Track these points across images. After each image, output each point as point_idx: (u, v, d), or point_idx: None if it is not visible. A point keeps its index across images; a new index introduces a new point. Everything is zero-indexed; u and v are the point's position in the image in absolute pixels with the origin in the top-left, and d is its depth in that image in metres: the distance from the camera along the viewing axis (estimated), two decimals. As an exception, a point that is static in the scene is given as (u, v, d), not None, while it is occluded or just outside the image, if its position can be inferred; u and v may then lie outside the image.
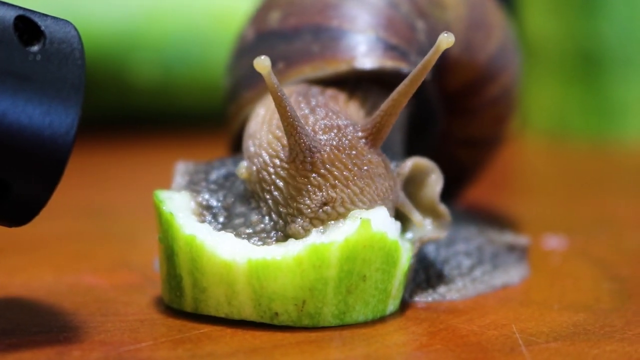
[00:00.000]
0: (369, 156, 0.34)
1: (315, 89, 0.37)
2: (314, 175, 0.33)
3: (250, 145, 0.35)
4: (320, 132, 0.34)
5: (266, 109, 0.36)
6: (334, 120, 0.35)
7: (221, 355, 0.31)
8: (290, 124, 0.33)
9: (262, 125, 0.35)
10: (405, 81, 0.33)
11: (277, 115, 0.35)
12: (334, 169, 0.33)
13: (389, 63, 0.38)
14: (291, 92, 0.36)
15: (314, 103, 0.36)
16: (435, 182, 0.35)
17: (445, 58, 0.40)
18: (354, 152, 0.34)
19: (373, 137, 0.34)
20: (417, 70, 0.33)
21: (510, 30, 0.44)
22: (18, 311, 0.35)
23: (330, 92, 0.37)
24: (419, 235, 0.35)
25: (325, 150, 0.34)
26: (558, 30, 0.71)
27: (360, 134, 0.34)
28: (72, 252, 0.43)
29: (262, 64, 0.32)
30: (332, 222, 0.33)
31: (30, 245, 0.43)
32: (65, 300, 0.36)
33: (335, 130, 0.34)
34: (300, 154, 0.33)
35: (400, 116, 0.39)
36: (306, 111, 0.35)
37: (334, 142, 0.34)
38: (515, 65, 0.44)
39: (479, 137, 0.44)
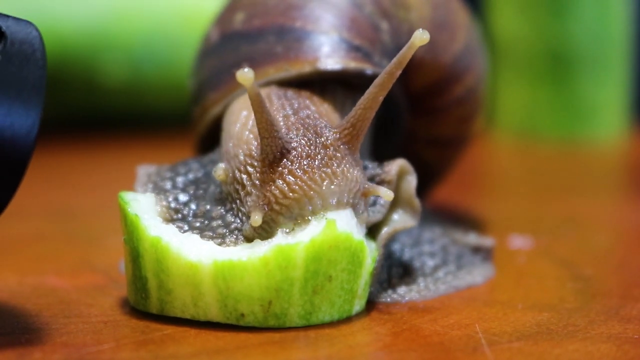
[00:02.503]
0: (337, 154, 0.34)
1: (291, 92, 0.37)
2: (275, 175, 0.33)
3: (230, 147, 0.35)
4: (294, 133, 0.34)
5: (248, 111, 0.36)
6: (314, 121, 0.35)
7: (184, 356, 0.31)
8: (263, 128, 0.33)
9: (245, 126, 0.35)
10: (382, 75, 0.33)
11: None
12: (295, 171, 0.33)
13: (353, 64, 0.38)
14: (269, 93, 0.36)
15: (296, 105, 0.36)
16: (412, 179, 0.36)
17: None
18: (323, 152, 0.34)
19: (349, 133, 0.34)
20: (392, 66, 0.33)
21: (475, 31, 0.44)
22: (-20, 313, 0.35)
23: (305, 93, 0.37)
24: (392, 226, 0.35)
25: (297, 151, 0.33)
26: (527, 31, 0.71)
27: (336, 131, 0.34)
28: (35, 254, 0.43)
29: (245, 76, 0.32)
30: (282, 222, 0.33)
31: (-6, 247, 0.43)
32: (28, 302, 0.36)
33: (311, 131, 0.34)
34: (271, 155, 0.33)
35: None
36: (289, 112, 0.35)
37: (308, 144, 0.34)
38: (481, 66, 0.44)
39: (444, 137, 0.44)
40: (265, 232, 0.33)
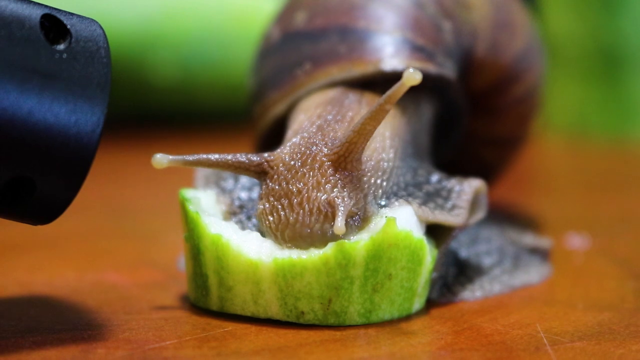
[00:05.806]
0: (312, 172, 0.33)
1: (353, 96, 0.36)
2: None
3: None
4: (289, 156, 0.34)
5: (305, 113, 0.36)
6: (331, 133, 0.34)
7: (246, 353, 0.31)
8: (230, 170, 0.34)
9: (292, 131, 0.35)
10: (375, 106, 0.32)
11: (311, 117, 0.35)
12: (270, 200, 0.33)
13: (416, 64, 0.37)
14: (327, 100, 0.36)
15: (340, 115, 0.35)
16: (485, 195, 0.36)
17: (470, 58, 0.40)
18: (302, 170, 0.33)
19: (337, 152, 0.33)
20: (383, 100, 0.32)
21: (535, 31, 0.44)
22: (41, 309, 0.35)
23: (367, 97, 0.36)
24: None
25: (277, 169, 0.33)
26: (579, 29, 0.71)
27: (330, 147, 0.33)
28: (94, 250, 0.43)
29: (160, 161, 0.33)
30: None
31: (53, 243, 0.43)
32: (88, 298, 0.36)
33: (305, 156, 0.33)
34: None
35: (427, 116, 0.39)
36: (327, 121, 0.35)
37: (292, 159, 0.33)
38: (540, 65, 0.44)
39: (503, 136, 0.44)
40: None
